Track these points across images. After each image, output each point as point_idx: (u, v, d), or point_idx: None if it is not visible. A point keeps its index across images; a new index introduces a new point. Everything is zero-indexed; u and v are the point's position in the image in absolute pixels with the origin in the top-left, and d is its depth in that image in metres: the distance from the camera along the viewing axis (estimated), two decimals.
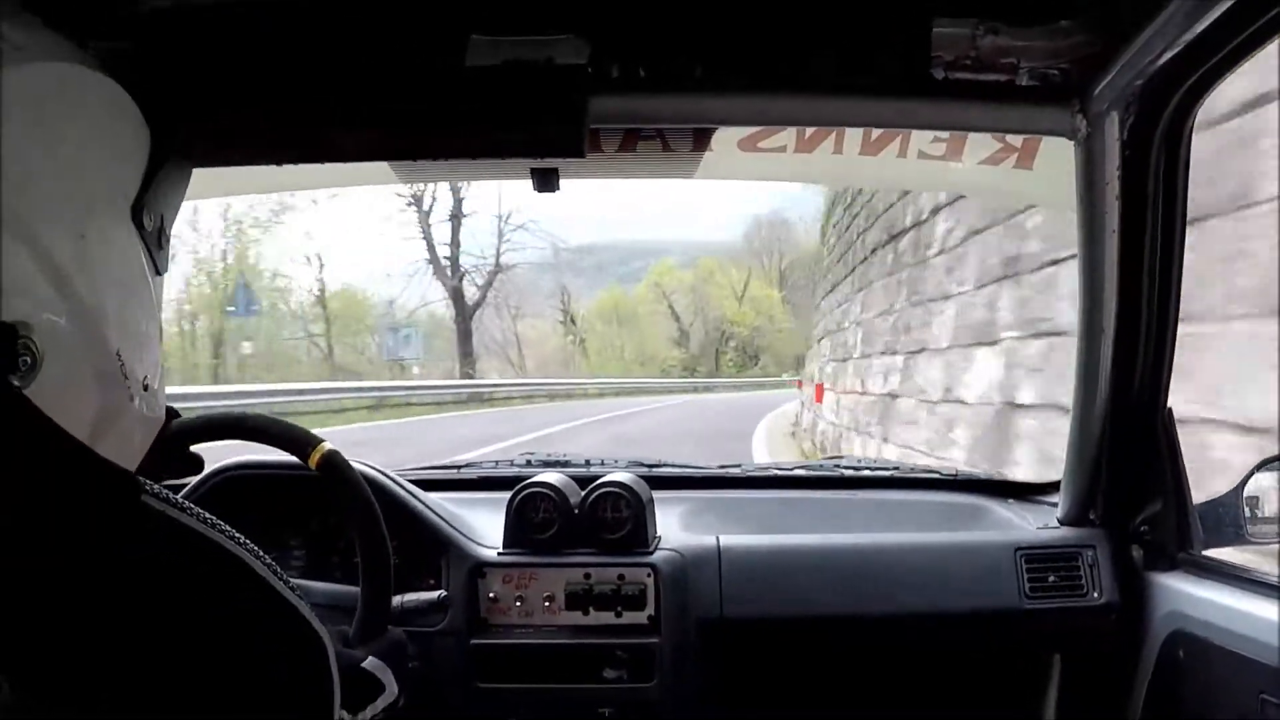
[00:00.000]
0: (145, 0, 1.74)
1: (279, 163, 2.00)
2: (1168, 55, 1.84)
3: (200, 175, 2.11)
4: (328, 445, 1.92)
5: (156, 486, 0.97)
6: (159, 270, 1.15)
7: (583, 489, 2.53)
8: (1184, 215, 2.17)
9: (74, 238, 1.00)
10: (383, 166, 2.40)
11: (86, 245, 1.01)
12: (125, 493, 0.93)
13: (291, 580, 1.07)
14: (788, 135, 2.47)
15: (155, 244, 1.15)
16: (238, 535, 1.00)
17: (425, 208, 54.91)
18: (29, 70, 0.98)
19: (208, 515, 1.00)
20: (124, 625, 0.88)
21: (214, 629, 0.93)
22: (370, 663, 1.76)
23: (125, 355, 1.06)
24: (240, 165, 2.09)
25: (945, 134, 2.43)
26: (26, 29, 0.98)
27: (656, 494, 2.60)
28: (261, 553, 1.03)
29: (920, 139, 2.45)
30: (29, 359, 0.93)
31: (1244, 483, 2.26)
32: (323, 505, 2.42)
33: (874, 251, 14.91)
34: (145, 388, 1.10)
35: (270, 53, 1.89)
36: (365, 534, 1.93)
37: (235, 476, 2.43)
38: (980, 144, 2.45)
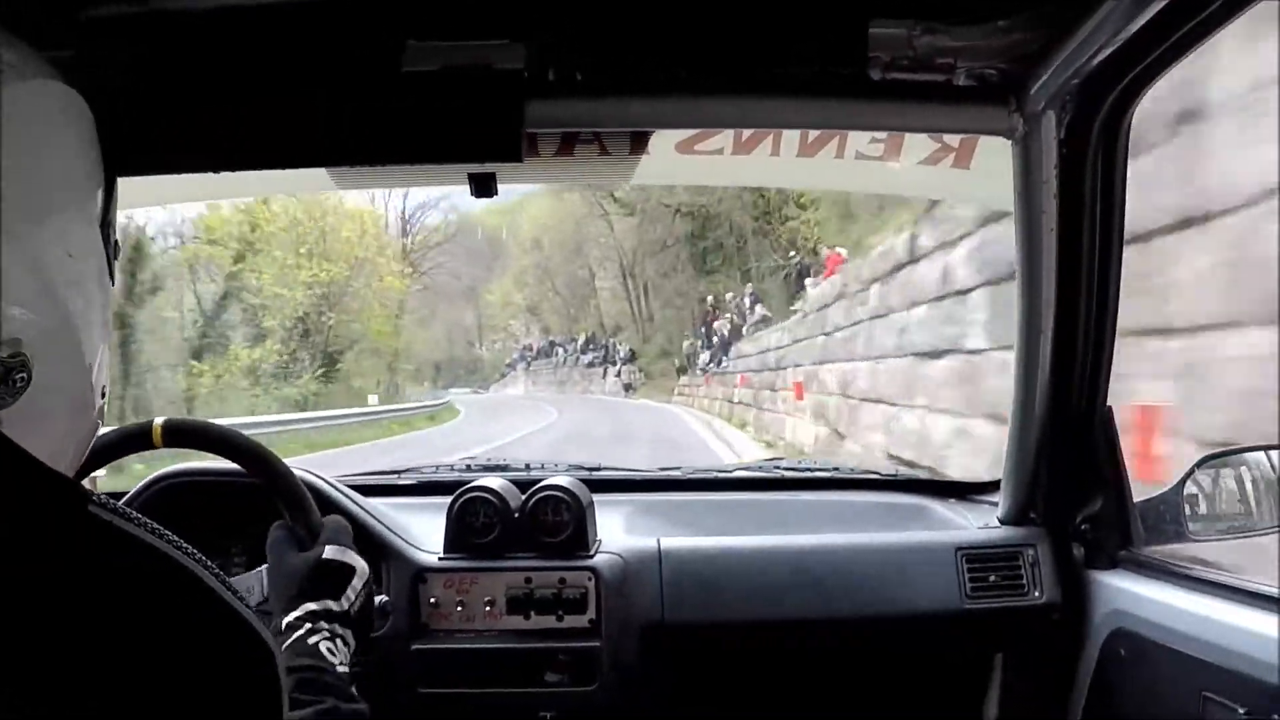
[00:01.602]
0: (85, 8, 1.72)
1: (215, 170, 1.98)
2: (1104, 53, 1.85)
3: (139, 183, 2.10)
4: (159, 418, 1.87)
5: (103, 496, 0.94)
6: (112, 281, 1.14)
7: (523, 493, 2.51)
8: (1122, 214, 2.18)
9: (62, 254, 1.00)
10: (320, 173, 2.36)
11: (73, 261, 1.01)
12: (72, 504, 0.91)
13: (238, 589, 1.04)
14: (725, 138, 2.46)
15: (114, 255, 1.15)
16: (184, 544, 0.98)
17: None
18: (24, 88, 0.98)
19: (154, 525, 0.97)
20: (72, 637, 0.85)
21: (162, 639, 0.91)
22: (330, 550, 1.74)
23: (94, 367, 1.06)
24: (174, 173, 2.04)
25: (883, 135, 2.42)
26: (12, 47, 0.98)
27: (597, 497, 2.59)
28: (208, 561, 1.00)
29: (858, 140, 2.45)
30: (24, 376, 0.93)
31: (1184, 480, 2.28)
32: (262, 510, 2.39)
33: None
34: (103, 396, 1.10)
35: (205, 60, 1.88)
36: (245, 461, 1.90)
37: (174, 484, 2.38)
38: (918, 144, 2.45)
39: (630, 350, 56.95)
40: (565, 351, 67.53)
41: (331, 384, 34.62)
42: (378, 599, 2.08)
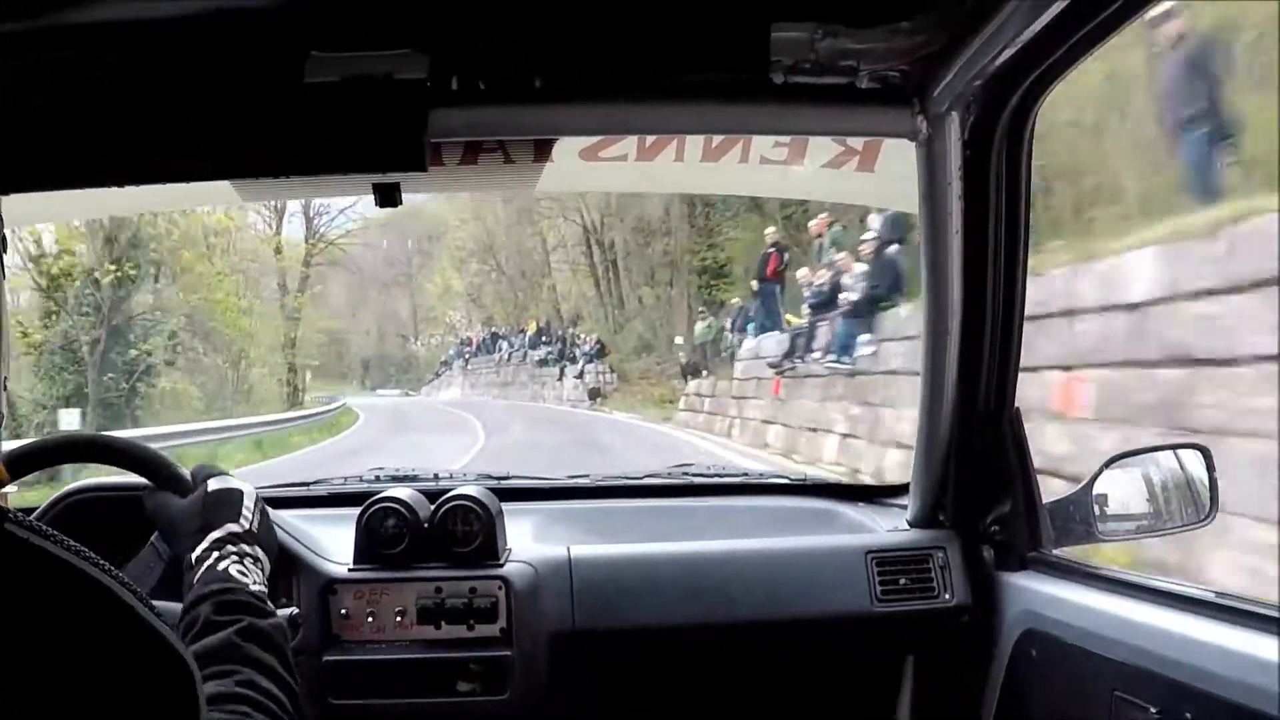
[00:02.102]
0: None
1: (117, 184, 1.97)
2: (1006, 55, 1.85)
3: (47, 197, 2.06)
4: None
5: (18, 514, 0.91)
6: (2, 275, 1.12)
7: (432, 503, 2.49)
8: (1027, 215, 2.19)
9: None
10: (225, 185, 2.35)
11: None
12: None
13: (154, 604, 1.02)
14: (629, 144, 2.46)
15: (1, 248, 1.13)
16: (101, 560, 0.95)
17: None
18: None
19: (71, 542, 0.94)
20: None
21: (79, 657, 0.89)
22: (213, 482, 1.77)
23: None
24: (69, 188, 2.06)
25: (787, 139, 2.43)
26: None
27: (506, 506, 2.57)
28: (127, 579, 0.97)
29: (762, 144, 2.46)
30: None
31: (1093, 481, 2.29)
32: None
33: None
34: (5, 388, 1.08)
35: (105, 73, 1.86)
36: (88, 453, 1.93)
37: (84, 499, 2.31)
38: (822, 148, 2.46)
39: (598, 343, 41.55)
40: (511, 346, 54.05)
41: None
42: (289, 611, 2.05)
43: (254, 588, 1.59)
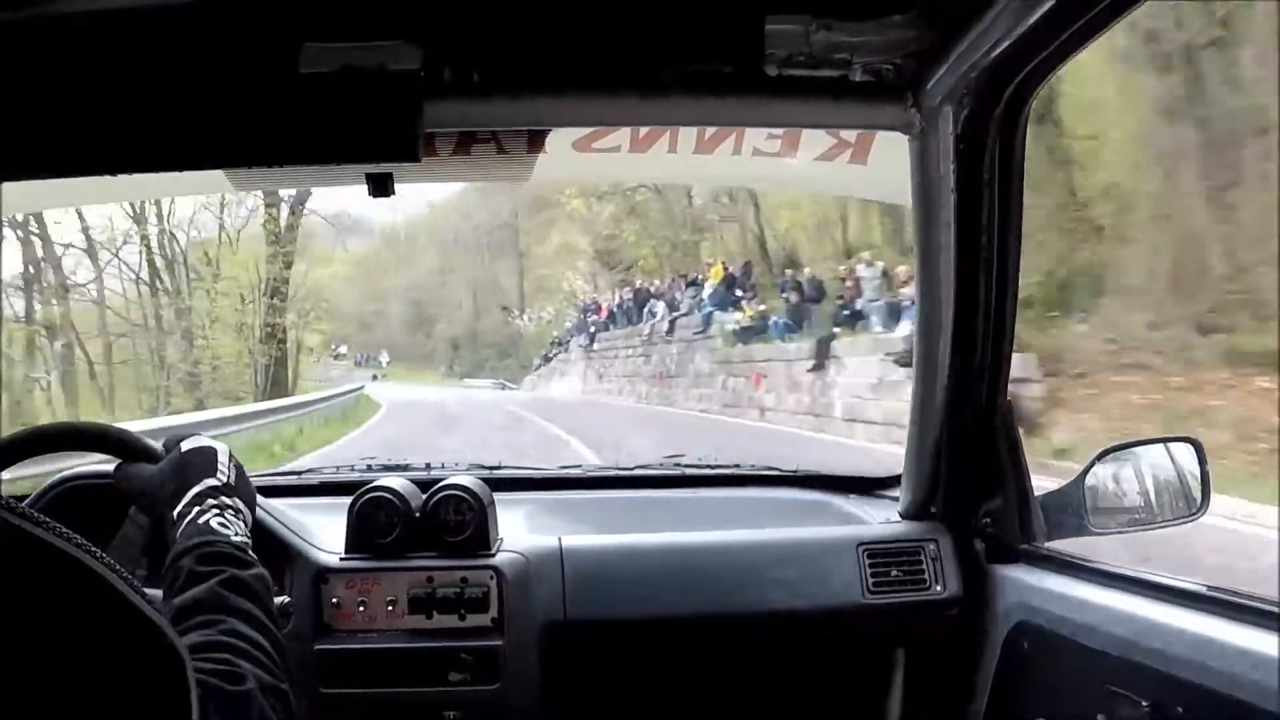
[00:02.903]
0: None
1: (111, 173, 1.96)
2: (1000, 48, 1.86)
3: (41, 185, 2.13)
4: None
5: (11, 500, 0.93)
6: None
7: (424, 492, 2.48)
8: (1020, 208, 2.19)
9: None
10: (219, 174, 2.38)
11: None
12: None
13: (145, 592, 1.03)
14: (622, 135, 2.46)
15: None
16: (92, 548, 0.97)
17: None
18: None
19: (63, 529, 0.95)
20: None
21: (69, 644, 0.89)
22: (186, 443, 1.78)
23: None
24: (64, 176, 2.04)
25: (780, 131, 2.43)
26: None
27: (498, 496, 2.56)
28: (117, 565, 0.98)
29: (755, 136, 2.45)
30: None
31: (1084, 474, 2.30)
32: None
33: None
34: None
35: (102, 62, 1.85)
36: (54, 443, 1.89)
37: (74, 487, 2.32)
38: (815, 140, 2.46)
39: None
40: (674, 307, 33.31)
41: None
42: (280, 600, 2.05)
43: (235, 539, 1.59)
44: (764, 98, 2.12)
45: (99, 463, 2.12)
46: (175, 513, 1.64)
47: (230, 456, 1.78)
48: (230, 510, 1.65)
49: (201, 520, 1.60)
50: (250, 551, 1.59)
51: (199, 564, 1.50)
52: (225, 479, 1.71)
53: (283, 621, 2.00)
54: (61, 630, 0.89)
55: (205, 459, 1.73)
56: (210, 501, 1.64)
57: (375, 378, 51.97)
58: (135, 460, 1.82)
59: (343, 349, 59.41)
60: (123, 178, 1.99)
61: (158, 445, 1.82)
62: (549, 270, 55.21)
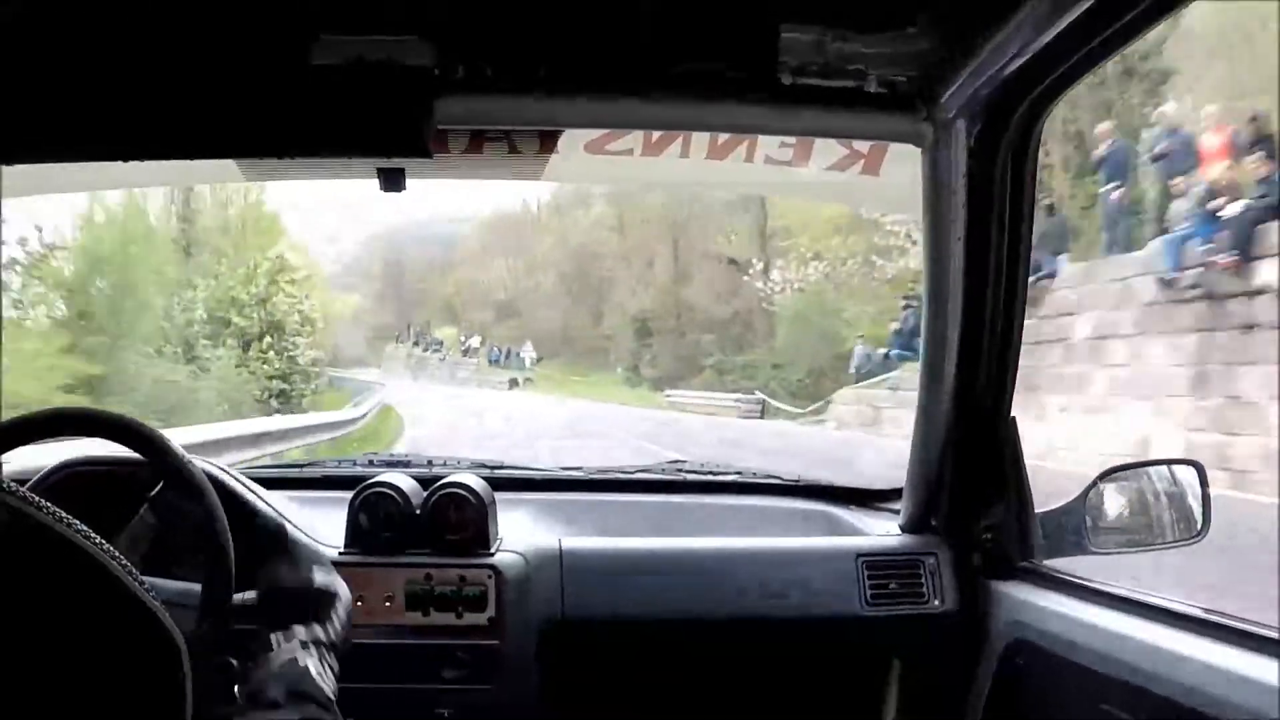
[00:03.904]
0: None
1: (121, 159, 1.94)
2: (1015, 64, 1.86)
3: (46, 170, 2.14)
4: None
5: (11, 482, 0.92)
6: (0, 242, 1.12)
7: (425, 489, 2.49)
8: (1030, 224, 2.19)
9: None
10: (230, 164, 2.38)
11: None
12: None
13: (144, 579, 1.03)
14: (635, 139, 2.47)
15: None
16: (92, 534, 0.96)
17: None
18: None
19: (62, 513, 0.95)
20: None
21: (67, 629, 0.90)
22: (319, 576, 1.84)
23: None
24: (76, 161, 2.07)
25: (792, 140, 2.43)
26: None
27: (499, 495, 2.57)
28: (116, 551, 0.98)
29: (767, 144, 2.46)
30: None
31: (1086, 492, 2.29)
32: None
33: None
34: None
35: (113, 47, 1.85)
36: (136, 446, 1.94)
37: (78, 472, 2.31)
38: (827, 150, 2.47)
39: None
40: None
41: None
42: None
43: (327, 691, 1.61)
44: (777, 106, 2.11)
45: (103, 448, 2.13)
46: (274, 636, 1.66)
47: (348, 610, 1.81)
48: (328, 665, 1.68)
49: (302, 664, 1.62)
50: (336, 708, 1.61)
51: (289, 700, 1.54)
52: (336, 635, 1.74)
53: None
54: (59, 615, 0.89)
55: (335, 604, 1.78)
56: (314, 650, 1.67)
57: (514, 385, 39.81)
58: (161, 467, 1.88)
59: (475, 341, 46.61)
60: (129, 165, 1.97)
61: (184, 459, 1.87)
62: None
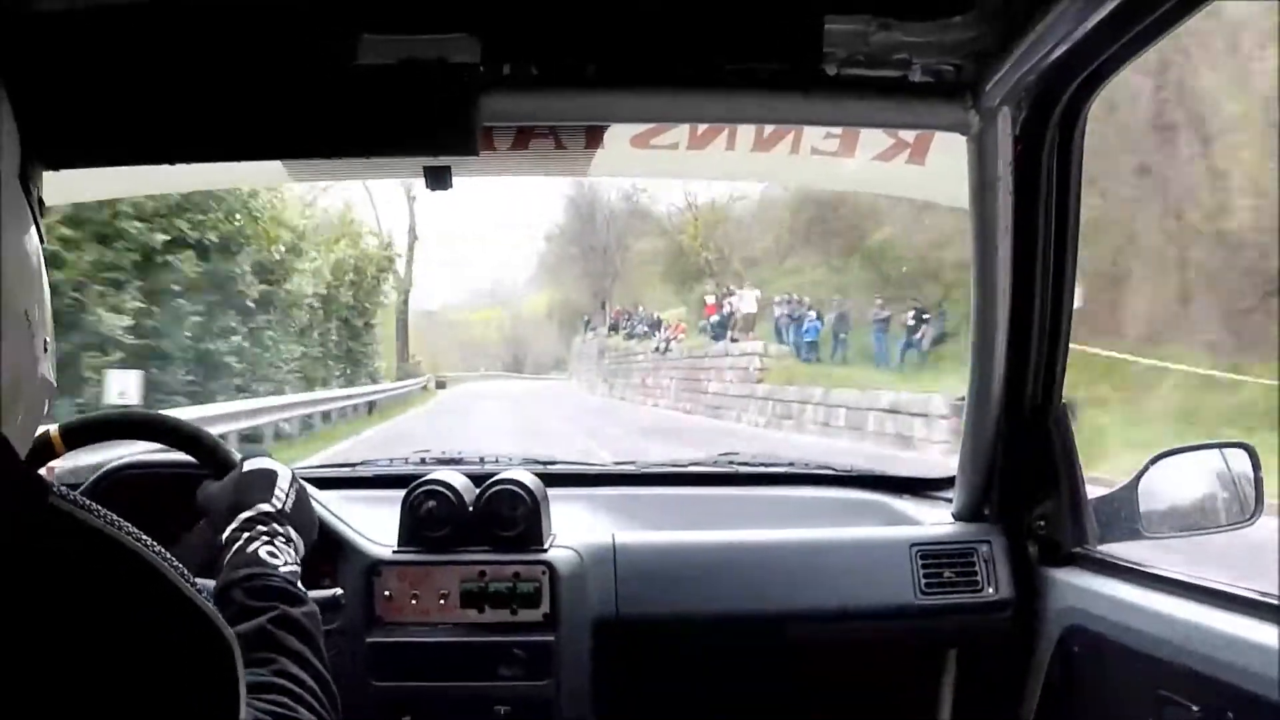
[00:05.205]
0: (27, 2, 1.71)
1: (169, 162, 1.96)
2: (1060, 50, 1.85)
3: (89, 174, 2.14)
4: (53, 426, 1.91)
5: (63, 488, 0.94)
6: (42, 239, 1.14)
7: (478, 486, 2.49)
8: (1078, 211, 2.19)
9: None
10: (277, 165, 2.39)
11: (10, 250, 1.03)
12: (34, 494, 0.91)
13: (196, 581, 1.04)
14: (680, 132, 2.47)
15: (40, 212, 1.15)
16: (144, 537, 0.98)
17: None
18: None
19: (114, 517, 0.97)
20: (29, 629, 0.86)
21: (121, 632, 0.90)
22: (249, 462, 1.81)
23: (31, 315, 1.07)
24: (127, 164, 2.07)
25: (838, 130, 2.43)
26: None
27: (552, 491, 2.57)
28: (167, 554, 1.00)
29: (813, 135, 2.46)
30: None
31: (1139, 478, 2.28)
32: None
33: None
34: (46, 349, 1.11)
35: (161, 51, 1.86)
36: (141, 431, 1.97)
37: (128, 476, 2.34)
38: (873, 140, 2.46)
39: None
40: None
41: None
42: (332, 592, 2.07)
43: (285, 569, 1.58)
44: (823, 97, 2.10)
45: (149, 451, 2.15)
46: (225, 535, 1.63)
47: (291, 481, 1.77)
48: (280, 538, 1.64)
49: (250, 549, 1.59)
50: (300, 584, 1.58)
51: (250, 598, 1.50)
52: (280, 505, 1.70)
53: (332, 615, 2.03)
54: (113, 619, 0.90)
55: (263, 481, 1.74)
56: (260, 528, 1.64)
57: None
58: (206, 462, 1.86)
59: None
60: (173, 168, 1.99)
61: (237, 458, 1.84)
62: None
